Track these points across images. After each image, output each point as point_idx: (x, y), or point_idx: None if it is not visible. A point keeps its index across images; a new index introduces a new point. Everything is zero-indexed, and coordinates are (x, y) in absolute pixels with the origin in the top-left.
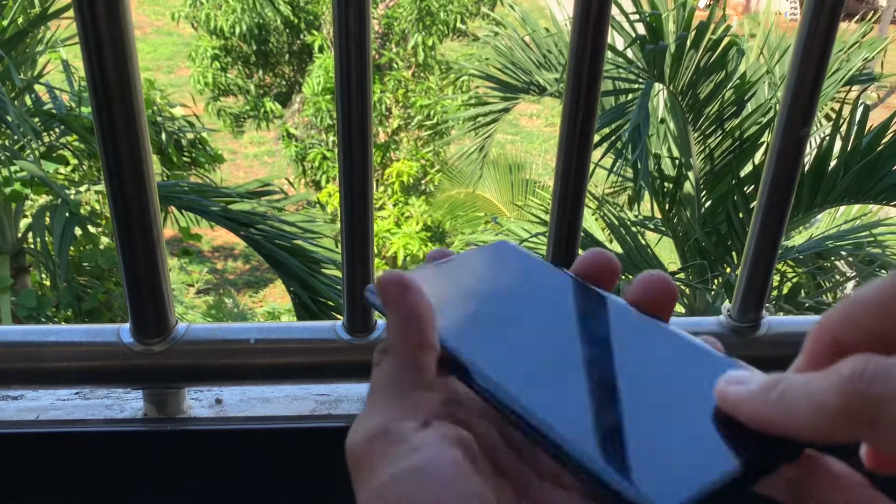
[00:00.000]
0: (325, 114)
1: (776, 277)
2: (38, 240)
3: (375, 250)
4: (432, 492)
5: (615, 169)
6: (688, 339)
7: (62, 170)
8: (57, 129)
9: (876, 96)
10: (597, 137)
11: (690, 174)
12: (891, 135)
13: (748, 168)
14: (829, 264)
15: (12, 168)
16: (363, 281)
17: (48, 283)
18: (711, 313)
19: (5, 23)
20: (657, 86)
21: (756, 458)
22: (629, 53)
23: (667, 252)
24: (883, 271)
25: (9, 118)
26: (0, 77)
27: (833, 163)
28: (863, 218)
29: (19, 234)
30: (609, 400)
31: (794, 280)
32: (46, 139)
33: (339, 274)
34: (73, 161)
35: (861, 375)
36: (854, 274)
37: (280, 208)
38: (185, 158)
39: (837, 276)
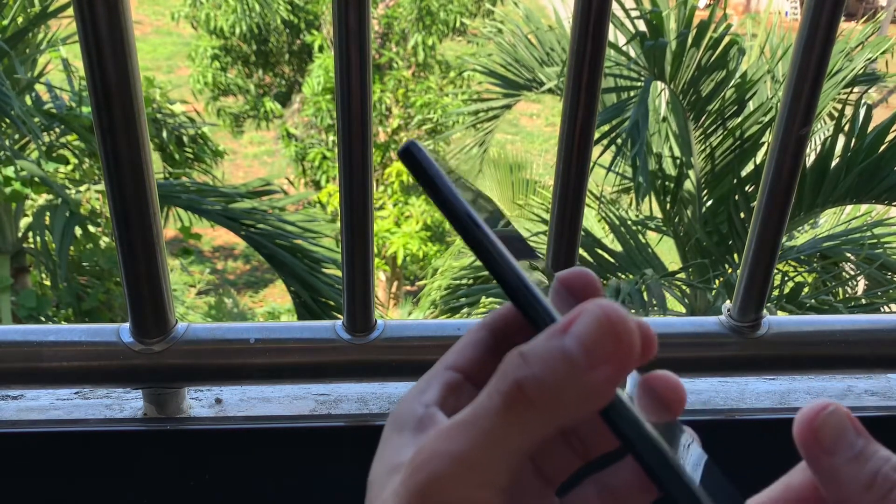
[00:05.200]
0: (325, 113)
1: (777, 277)
2: (38, 239)
3: (375, 250)
4: None
5: (614, 166)
6: None
7: (62, 169)
8: (57, 129)
9: (876, 96)
10: (597, 135)
11: (692, 173)
12: (893, 135)
13: (749, 167)
14: (833, 264)
15: (12, 168)
16: (363, 281)
17: (48, 282)
18: (712, 313)
19: (5, 22)
20: (659, 84)
21: None
22: (631, 51)
23: (668, 252)
24: (884, 270)
25: (13, 112)
26: (4, 73)
27: (835, 162)
28: (864, 217)
29: (19, 234)
30: None
31: (797, 280)
32: (47, 139)
33: (339, 273)
34: (74, 160)
35: None
36: (857, 273)
37: (280, 208)
38: (186, 154)
39: (844, 275)
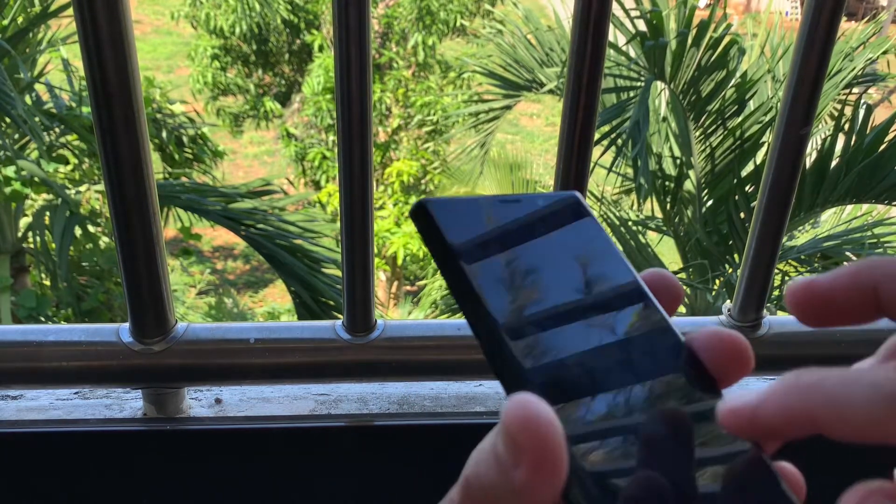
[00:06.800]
0: (325, 113)
1: (778, 277)
2: (38, 239)
3: (375, 250)
4: None
5: (615, 166)
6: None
7: (62, 169)
8: (57, 129)
9: (877, 96)
10: (597, 136)
11: (692, 173)
12: (893, 134)
13: (750, 167)
14: (834, 264)
15: (12, 167)
16: (363, 281)
17: (48, 282)
18: (712, 313)
19: (6, 22)
20: (659, 84)
21: None
22: (630, 51)
23: (668, 252)
24: None
25: (14, 112)
26: (6, 72)
27: (835, 162)
28: (864, 217)
29: (19, 234)
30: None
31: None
32: (47, 139)
33: (339, 273)
34: (74, 160)
35: None
36: None
37: (280, 208)
38: (186, 154)
39: None
